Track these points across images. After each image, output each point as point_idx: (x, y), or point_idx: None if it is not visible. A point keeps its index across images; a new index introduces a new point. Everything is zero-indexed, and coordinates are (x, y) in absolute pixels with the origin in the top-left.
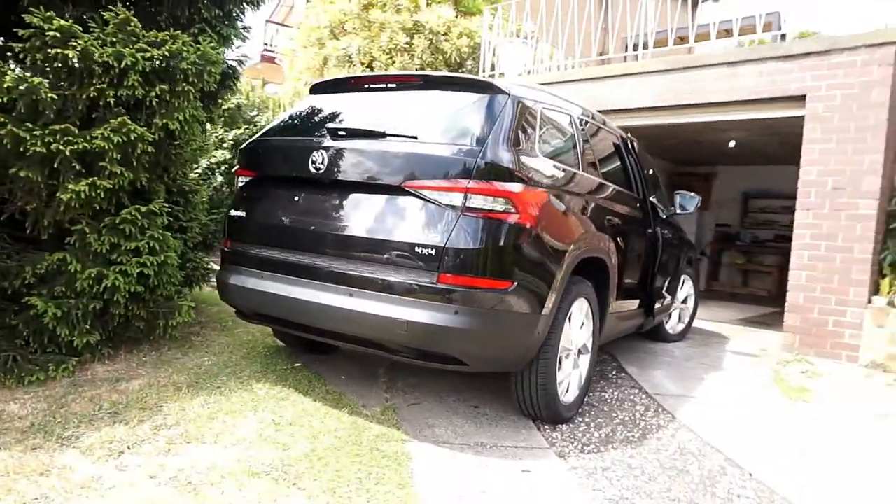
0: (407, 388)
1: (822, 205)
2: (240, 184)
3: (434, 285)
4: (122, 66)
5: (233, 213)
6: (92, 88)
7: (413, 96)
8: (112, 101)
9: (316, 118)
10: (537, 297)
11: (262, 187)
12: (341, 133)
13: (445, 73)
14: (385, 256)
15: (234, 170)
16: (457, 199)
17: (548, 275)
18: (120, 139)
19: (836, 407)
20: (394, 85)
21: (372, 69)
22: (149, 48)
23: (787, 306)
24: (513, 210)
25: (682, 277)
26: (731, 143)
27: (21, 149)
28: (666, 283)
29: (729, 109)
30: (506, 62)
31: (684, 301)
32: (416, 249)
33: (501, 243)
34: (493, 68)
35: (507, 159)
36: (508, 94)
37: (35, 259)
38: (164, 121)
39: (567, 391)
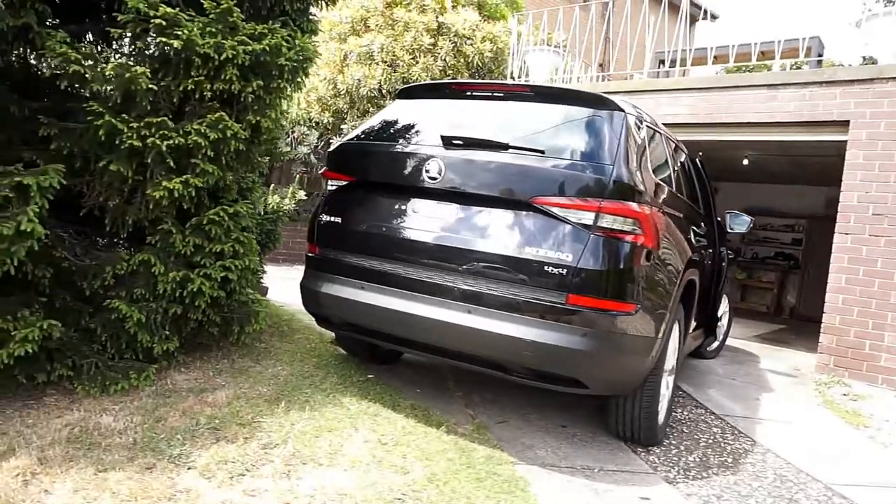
0: (485, 403)
1: (862, 230)
2: (331, 187)
3: (563, 306)
4: (221, 58)
5: (324, 217)
6: (190, 81)
7: (521, 107)
8: (209, 94)
9: (417, 124)
10: (656, 320)
11: (361, 193)
12: (457, 142)
13: (553, 85)
14: (508, 273)
15: (321, 171)
16: (588, 217)
17: (666, 297)
18: (216, 135)
19: None
20: (500, 94)
21: (394, 68)
22: (249, 41)
23: (823, 328)
24: (639, 231)
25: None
26: (745, 161)
27: (116, 141)
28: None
29: (768, 130)
30: (534, 70)
31: (720, 318)
32: (544, 268)
33: (630, 265)
34: (520, 75)
35: (632, 178)
36: (624, 111)
37: (113, 259)
38: (257, 118)
39: (659, 413)
